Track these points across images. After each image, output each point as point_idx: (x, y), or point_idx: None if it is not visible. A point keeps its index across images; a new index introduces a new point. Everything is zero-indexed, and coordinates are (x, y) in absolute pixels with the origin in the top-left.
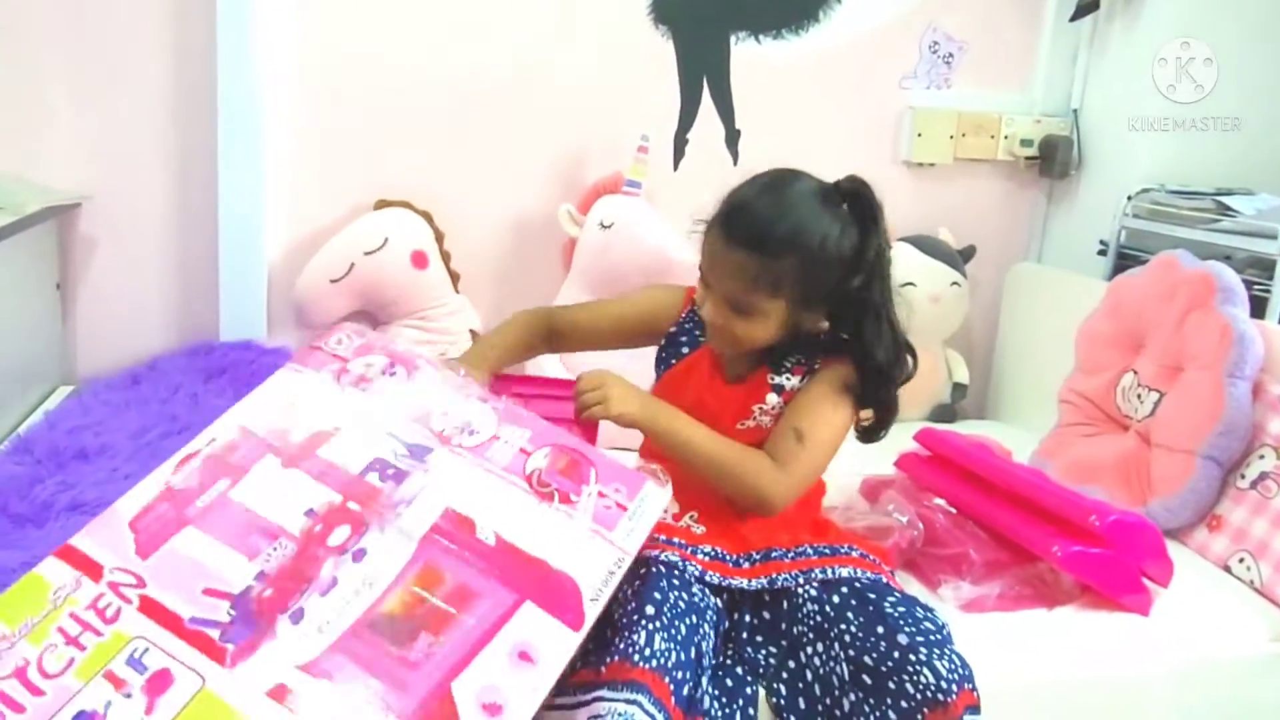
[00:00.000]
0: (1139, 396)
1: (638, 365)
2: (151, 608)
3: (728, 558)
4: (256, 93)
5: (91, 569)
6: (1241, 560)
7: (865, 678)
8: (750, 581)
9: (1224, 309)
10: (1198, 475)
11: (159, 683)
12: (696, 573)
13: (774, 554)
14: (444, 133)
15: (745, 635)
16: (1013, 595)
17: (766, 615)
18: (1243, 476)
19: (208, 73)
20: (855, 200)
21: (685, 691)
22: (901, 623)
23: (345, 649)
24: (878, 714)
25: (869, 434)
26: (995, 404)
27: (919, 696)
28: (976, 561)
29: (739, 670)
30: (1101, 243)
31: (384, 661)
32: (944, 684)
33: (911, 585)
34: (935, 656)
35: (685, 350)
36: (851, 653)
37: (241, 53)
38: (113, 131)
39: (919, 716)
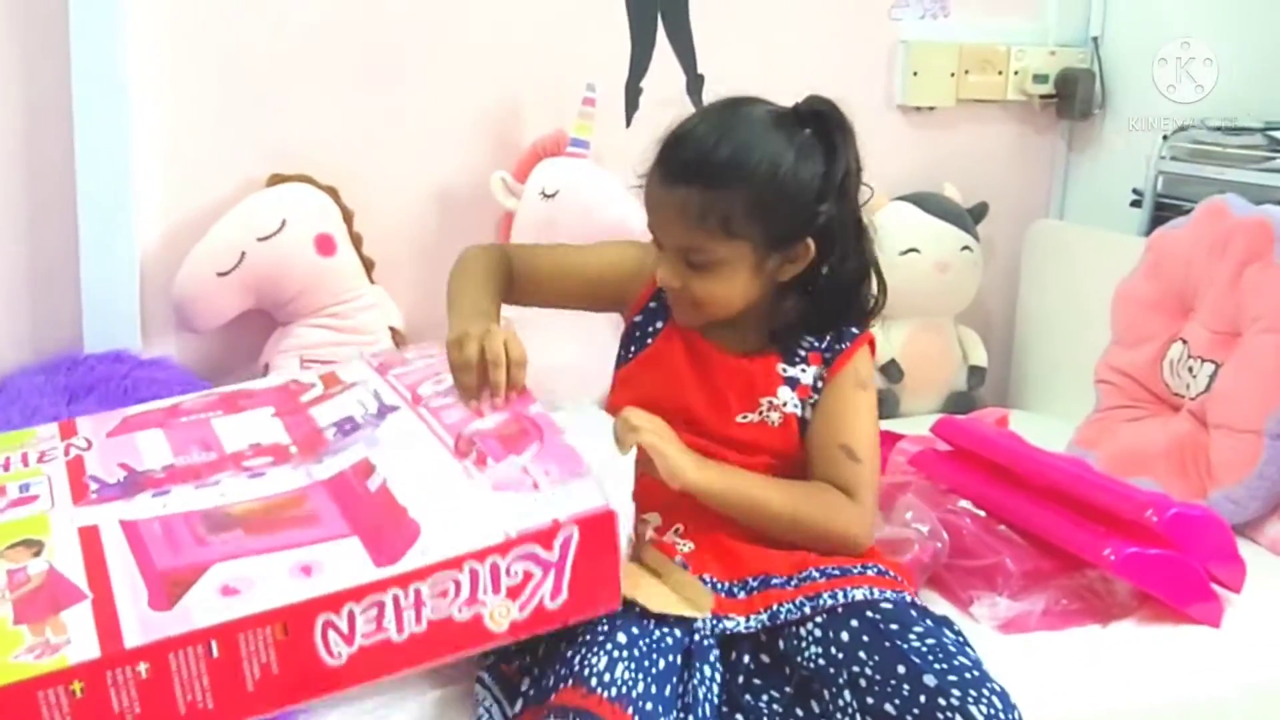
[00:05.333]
0: (1190, 370)
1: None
2: (75, 462)
3: (719, 585)
4: (118, 45)
5: (70, 432)
6: None
7: None
8: (748, 620)
9: None
10: (1266, 458)
11: (21, 500)
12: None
13: (773, 581)
14: (349, 90)
15: (743, 680)
16: (1059, 611)
17: (765, 658)
18: None
19: (58, 21)
20: (818, 121)
21: None
22: (930, 659)
23: (166, 521)
24: None
25: None
26: (1020, 389)
27: None
28: (1014, 572)
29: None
30: (1135, 192)
31: (185, 536)
32: None
33: (938, 605)
34: (971, 700)
35: (660, 324)
36: (869, 700)
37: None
38: None
39: None
